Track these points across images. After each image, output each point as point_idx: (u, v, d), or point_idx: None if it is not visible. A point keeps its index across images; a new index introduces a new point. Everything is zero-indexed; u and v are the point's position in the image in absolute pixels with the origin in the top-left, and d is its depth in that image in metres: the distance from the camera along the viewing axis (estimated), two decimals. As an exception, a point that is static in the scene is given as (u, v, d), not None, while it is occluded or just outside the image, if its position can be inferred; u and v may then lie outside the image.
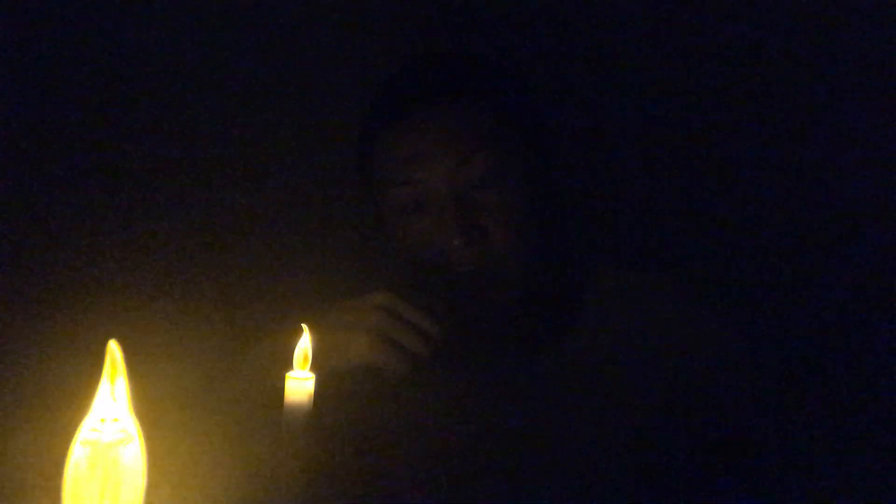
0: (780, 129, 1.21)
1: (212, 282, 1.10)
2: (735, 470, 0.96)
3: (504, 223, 0.89)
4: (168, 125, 1.09)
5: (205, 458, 0.79)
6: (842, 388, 1.03)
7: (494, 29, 1.22)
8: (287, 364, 0.66)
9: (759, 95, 1.21)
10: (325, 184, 1.17)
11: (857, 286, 1.18)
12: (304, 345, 0.67)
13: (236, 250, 1.13)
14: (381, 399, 0.98)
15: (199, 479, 0.77)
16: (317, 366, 0.66)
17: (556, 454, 0.94)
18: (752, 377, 0.96)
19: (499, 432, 0.95)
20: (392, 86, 0.97)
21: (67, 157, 1.03)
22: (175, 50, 1.09)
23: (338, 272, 1.11)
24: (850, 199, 1.19)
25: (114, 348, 0.45)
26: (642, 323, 0.97)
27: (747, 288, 1.18)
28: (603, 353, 0.96)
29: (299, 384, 0.63)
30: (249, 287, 1.12)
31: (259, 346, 0.91)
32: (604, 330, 0.97)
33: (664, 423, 0.95)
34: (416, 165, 0.90)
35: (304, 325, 0.68)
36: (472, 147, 0.89)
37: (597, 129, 1.24)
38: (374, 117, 0.96)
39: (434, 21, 1.21)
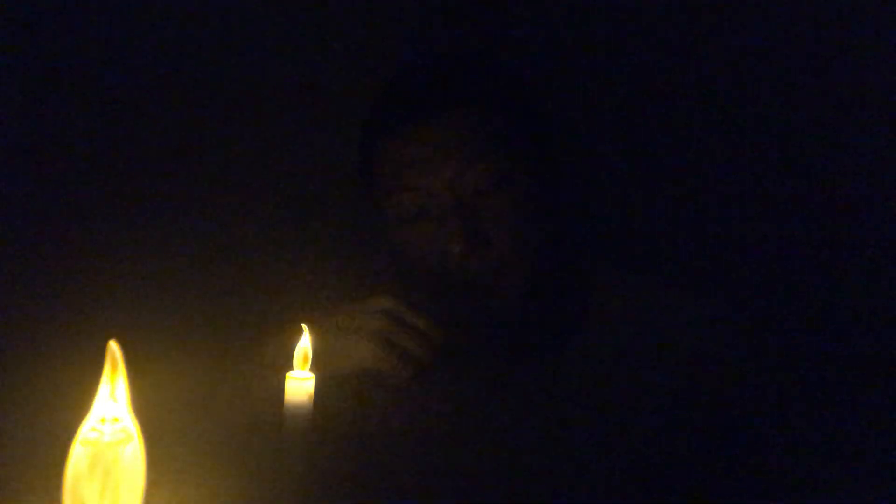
0: (782, 129, 1.21)
1: (213, 282, 1.10)
2: (739, 471, 0.96)
3: (507, 230, 0.89)
4: (169, 125, 1.09)
5: (205, 458, 0.79)
6: (844, 388, 1.03)
7: (497, 32, 1.22)
8: (287, 364, 0.66)
9: (762, 96, 1.21)
10: (329, 187, 1.17)
11: (859, 286, 1.18)
12: (304, 345, 0.67)
13: (238, 251, 1.13)
14: (382, 403, 0.98)
15: (199, 479, 0.77)
16: (319, 369, 0.66)
17: (559, 459, 0.94)
18: (755, 378, 0.96)
19: (501, 438, 0.95)
20: (394, 90, 0.96)
21: (67, 156, 1.03)
22: (176, 50, 1.09)
23: (341, 276, 1.11)
24: (851, 198, 1.19)
25: (114, 348, 0.45)
26: (646, 327, 0.97)
27: (751, 290, 1.18)
28: (606, 359, 0.96)
29: (299, 384, 0.63)
30: (251, 288, 1.12)
31: (260, 347, 0.91)
32: (607, 334, 0.97)
33: (669, 425, 0.95)
34: (419, 171, 0.89)
35: (303, 325, 0.68)
36: (476, 153, 0.89)
37: (600, 134, 1.24)
38: (376, 122, 0.95)
39: (437, 24, 1.21)
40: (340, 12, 1.17)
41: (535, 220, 0.91)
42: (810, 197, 1.20)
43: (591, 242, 1.19)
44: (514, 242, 0.89)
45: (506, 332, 0.95)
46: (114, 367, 0.45)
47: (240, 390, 0.88)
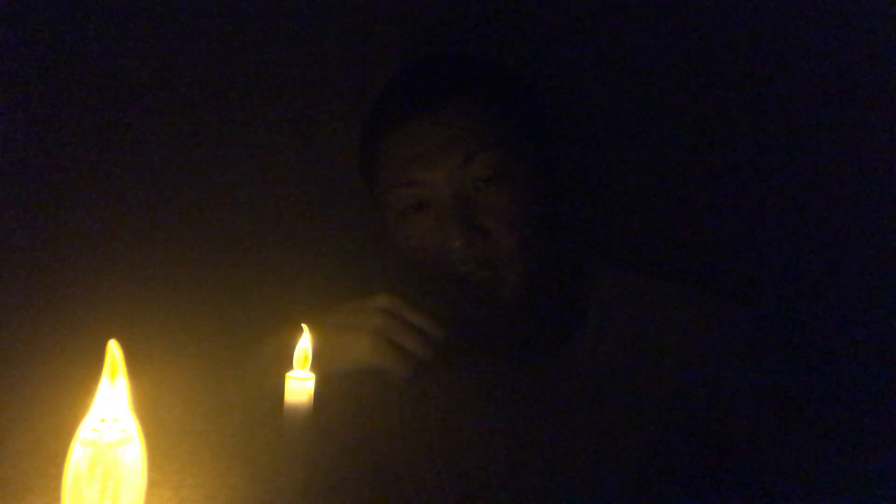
0: (783, 128, 1.21)
1: (212, 282, 1.10)
2: (737, 474, 0.96)
3: (506, 225, 0.89)
4: (169, 125, 1.09)
5: (205, 458, 0.79)
6: (845, 391, 1.03)
7: (496, 28, 1.22)
8: (287, 364, 0.66)
9: (762, 95, 1.21)
10: (328, 184, 1.17)
11: (860, 288, 1.18)
12: (305, 344, 0.67)
13: (238, 250, 1.13)
14: (382, 401, 0.98)
15: (199, 479, 0.77)
16: (319, 367, 0.66)
17: (559, 458, 0.94)
18: (756, 380, 0.96)
19: (501, 435, 0.95)
20: (394, 86, 0.97)
21: (67, 156, 1.03)
22: (176, 50, 1.09)
23: (341, 273, 1.11)
24: (852, 199, 1.19)
25: (114, 348, 0.45)
26: (645, 326, 0.97)
27: (750, 290, 1.18)
28: (606, 356, 0.96)
29: (299, 384, 0.63)
30: (251, 287, 1.12)
31: (260, 347, 0.91)
32: (607, 332, 0.97)
33: (668, 426, 0.95)
34: (418, 166, 0.90)
35: (303, 325, 0.68)
36: (475, 148, 0.89)
37: (600, 130, 1.24)
38: (377, 118, 0.96)
39: (436, 21, 1.20)
40: (341, 10, 1.17)
41: (534, 214, 0.91)
42: (810, 197, 1.20)
43: (591, 242, 1.19)
44: (513, 237, 0.89)
45: (506, 329, 0.95)
46: (114, 367, 0.45)
47: (240, 390, 0.88)
